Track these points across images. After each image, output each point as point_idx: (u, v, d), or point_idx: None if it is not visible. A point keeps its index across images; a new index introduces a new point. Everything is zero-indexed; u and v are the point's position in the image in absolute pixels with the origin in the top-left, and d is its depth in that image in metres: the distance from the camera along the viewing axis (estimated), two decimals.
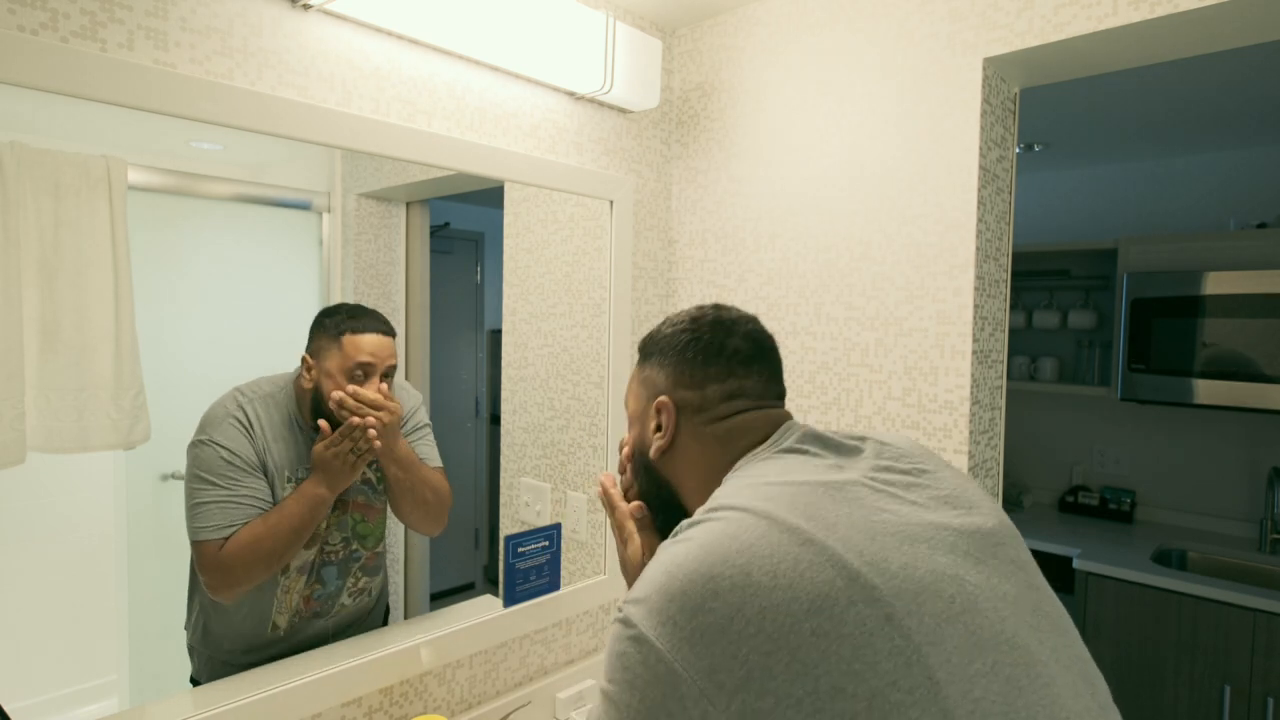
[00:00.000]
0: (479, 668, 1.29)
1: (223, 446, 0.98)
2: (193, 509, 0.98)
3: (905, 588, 0.56)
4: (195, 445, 0.99)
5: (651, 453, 0.80)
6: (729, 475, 0.72)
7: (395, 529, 1.29)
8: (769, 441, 0.75)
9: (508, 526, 1.52)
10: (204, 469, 0.98)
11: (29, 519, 0.94)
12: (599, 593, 1.48)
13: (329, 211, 1.19)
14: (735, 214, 1.51)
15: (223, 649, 1.07)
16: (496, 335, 1.56)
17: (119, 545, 1.02)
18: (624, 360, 1.49)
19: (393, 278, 1.29)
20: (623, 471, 0.88)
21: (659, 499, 0.83)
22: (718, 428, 0.77)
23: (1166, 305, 2.47)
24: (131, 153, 0.93)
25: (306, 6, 1.01)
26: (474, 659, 1.28)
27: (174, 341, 1.04)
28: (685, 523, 0.65)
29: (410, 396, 1.23)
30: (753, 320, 0.84)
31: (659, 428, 0.80)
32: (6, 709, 0.69)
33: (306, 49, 1.02)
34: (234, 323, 1.10)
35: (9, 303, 0.84)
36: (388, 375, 1.07)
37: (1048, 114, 2.29)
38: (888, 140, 1.28)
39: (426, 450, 1.23)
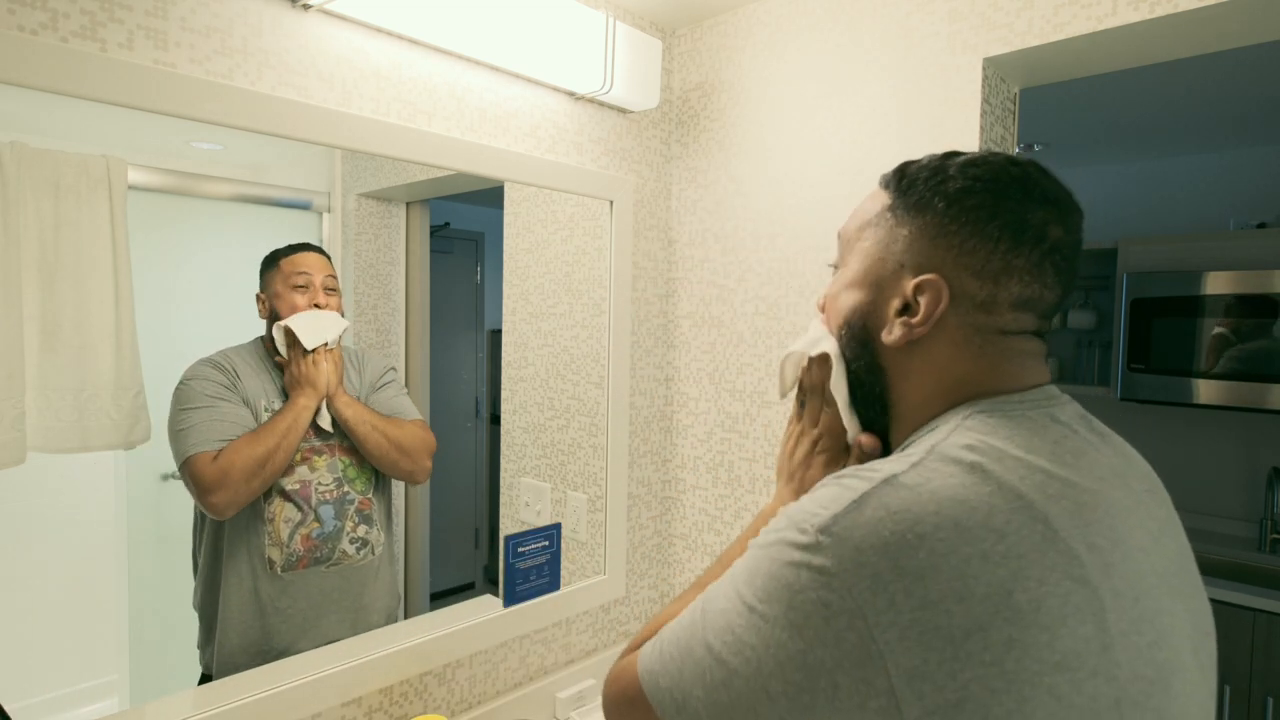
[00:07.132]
0: (479, 668, 1.29)
1: (203, 379, 1.06)
2: (179, 434, 1.02)
3: (1142, 673, 0.48)
4: (177, 387, 1.04)
5: (886, 336, 0.60)
6: (972, 410, 0.56)
7: (397, 530, 1.29)
8: (1033, 394, 0.57)
9: (508, 526, 1.52)
10: (186, 401, 1.04)
11: (29, 519, 0.94)
12: (599, 593, 1.48)
13: (329, 211, 1.19)
14: (735, 214, 1.51)
15: (232, 615, 1.08)
16: (496, 335, 1.56)
17: (119, 545, 1.02)
18: (624, 360, 1.49)
19: (393, 278, 1.29)
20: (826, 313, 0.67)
21: (856, 390, 0.64)
22: (994, 343, 0.58)
23: (1166, 305, 2.47)
24: (131, 153, 0.93)
25: (306, 6, 1.01)
26: (474, 659, 1.28)
27: (174, 341, 1.04)
28: (916, 449, 0.53)
29: (371, 353, 1.26)
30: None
31: (909, 310, 0.58)
32: (6, 709, 0.69)
33: (306, 49, 1.02)
34: (234, 323, 1.10)
35: (9, 303, 0.84)
36: (330, 290, 1.15)
37: (1048, 114, 2.29)
38: (888, 140, 1.28)
39: (396, 399, 1.26)
